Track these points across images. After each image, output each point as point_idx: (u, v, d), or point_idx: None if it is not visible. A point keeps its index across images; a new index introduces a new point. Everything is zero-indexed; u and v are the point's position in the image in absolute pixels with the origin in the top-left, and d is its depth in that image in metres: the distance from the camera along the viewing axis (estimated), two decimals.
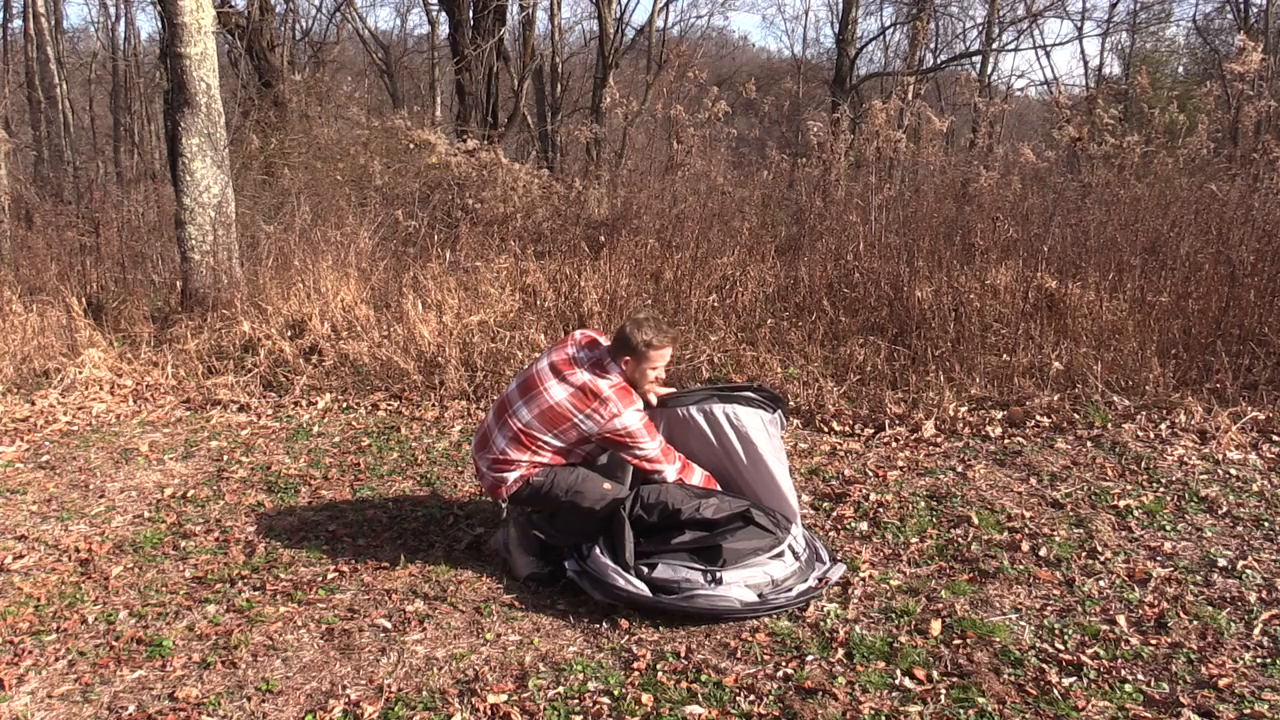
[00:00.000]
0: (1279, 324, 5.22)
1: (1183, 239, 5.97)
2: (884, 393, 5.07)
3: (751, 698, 2.65)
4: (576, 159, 14.62)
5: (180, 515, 4.05)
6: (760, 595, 3.10)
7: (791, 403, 5.09)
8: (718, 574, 3.09)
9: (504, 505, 3.51)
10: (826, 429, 4.89)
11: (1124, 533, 3.64)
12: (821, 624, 3.02)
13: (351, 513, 4.04)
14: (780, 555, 3.19)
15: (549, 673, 2.80)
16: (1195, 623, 2.98)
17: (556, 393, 3.25)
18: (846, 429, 4.87)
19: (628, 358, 3.26)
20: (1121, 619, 3.01)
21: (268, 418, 5.37)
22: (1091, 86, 19.35)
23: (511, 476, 3.35)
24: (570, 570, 3.27)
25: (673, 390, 3.54)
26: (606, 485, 3.30)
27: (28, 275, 7.22)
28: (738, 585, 3.09)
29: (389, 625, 3.08)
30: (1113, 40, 23.05)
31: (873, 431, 4.80)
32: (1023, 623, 3.01)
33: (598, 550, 3.23)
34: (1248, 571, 3.29)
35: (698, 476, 3.35)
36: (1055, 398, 4.85)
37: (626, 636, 2.99)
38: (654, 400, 3.44)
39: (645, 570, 3.15)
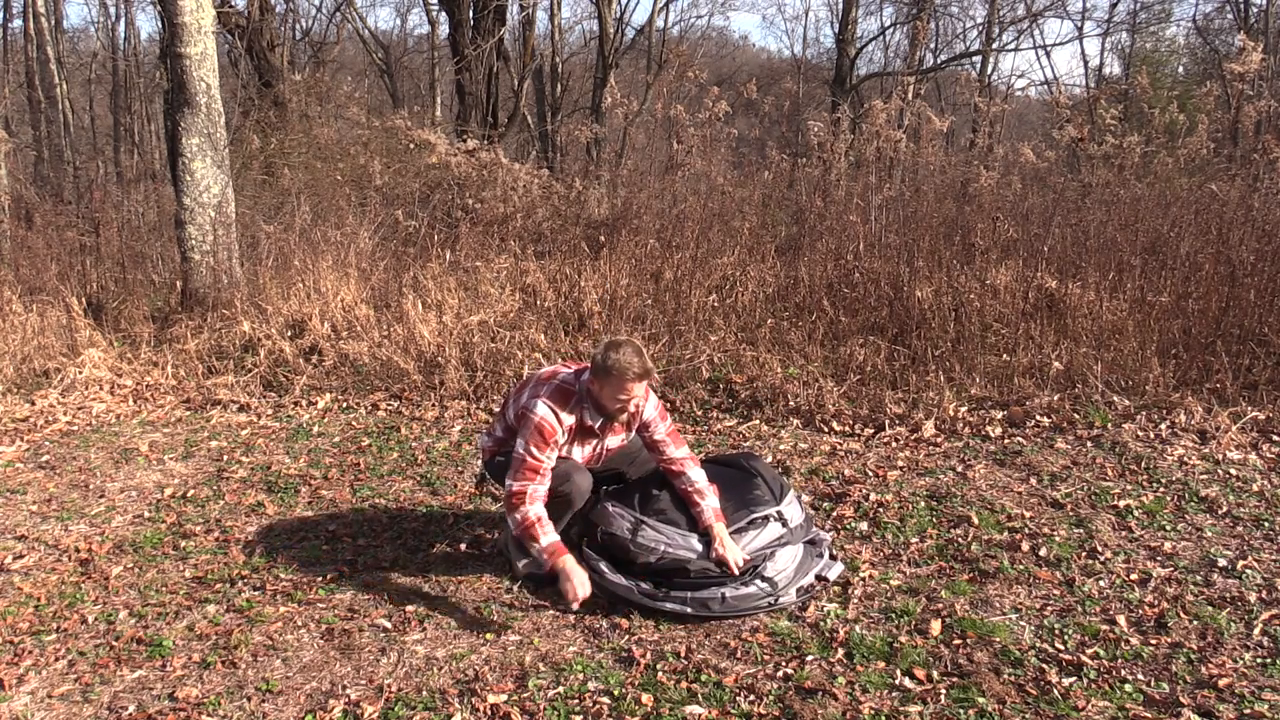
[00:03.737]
0: (1279, 324, 5.22)
1: (1183, 239, 5.97)
2: (884, 393, 5.07)
3: (751, 698, 2.65)
4: (576, 159, 14.62)
5: (180, 515, 4.05)
6: (765, 579, 3.09)
7: (791, 403, 5.09)
8: (669, 591, 3.08)
9: (487, 475, 3.57)
10: (826, 429, 4.89)
11: (1124, 533, 3.64)
12: (821, 624, 3.02)
13: (351, 513, 4.05)
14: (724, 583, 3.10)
15: (549, 673, 2.80)
16: (1195, 623, 2.98)
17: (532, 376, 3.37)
18: (846, 429, 4.87)
19: (596, 378, 3.12)
20: (1121, 619, 3.01)
21: (268, 418, 5.37)
22: (1091, 86, 19.37)
23: (486, 442, 3.45)
24: None
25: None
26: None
27: (28, 275, 7.22)
28: (746, 579, 3.08)
29: (389, 625, 3.08)
30: (1113, 40, 23.06)
31: (873, 431, 4.80)
32: (1023, 623, 3.01)
33: (586, 547, 3.26)
34: (1248, 571, 3.29)
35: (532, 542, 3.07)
36: (1055, 398, 4.85)
37: (626, 636, 2.99)
38: (617, 437, 3.32)
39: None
